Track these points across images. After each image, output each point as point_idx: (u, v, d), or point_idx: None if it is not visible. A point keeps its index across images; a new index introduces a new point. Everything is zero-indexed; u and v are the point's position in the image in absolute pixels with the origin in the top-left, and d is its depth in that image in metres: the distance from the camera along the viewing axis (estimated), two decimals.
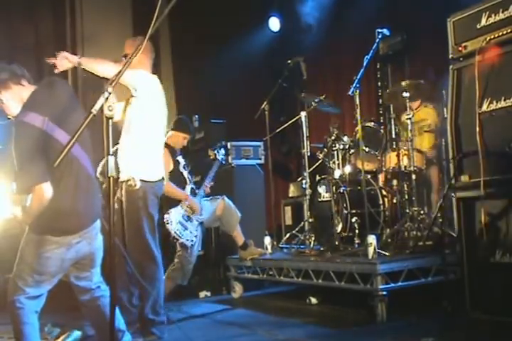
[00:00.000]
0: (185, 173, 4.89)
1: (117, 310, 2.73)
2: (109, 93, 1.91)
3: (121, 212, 3.55)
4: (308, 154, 5.08)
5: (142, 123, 3.63)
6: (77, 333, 3.62)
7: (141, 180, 3.53)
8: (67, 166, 2.61)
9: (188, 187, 4.81)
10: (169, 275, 4.64)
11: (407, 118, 4.40)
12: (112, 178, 1.96)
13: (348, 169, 4.90)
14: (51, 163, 2.36)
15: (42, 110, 2.58)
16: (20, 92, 2.71)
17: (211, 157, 5.58)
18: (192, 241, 4.67)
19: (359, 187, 4.53)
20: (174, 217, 4.59)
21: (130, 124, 3.63)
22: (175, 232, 4.55)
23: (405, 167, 4.54)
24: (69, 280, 2.82)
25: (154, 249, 3.62)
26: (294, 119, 5.26)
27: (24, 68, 2.80)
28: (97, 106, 1.91)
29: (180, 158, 4.92)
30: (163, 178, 3.73)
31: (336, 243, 4.51)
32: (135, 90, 3.48)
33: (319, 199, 4.92)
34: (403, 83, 4.44)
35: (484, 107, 3.24)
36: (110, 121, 1.93)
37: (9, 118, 2.74)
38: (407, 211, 4.37)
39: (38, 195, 2.52)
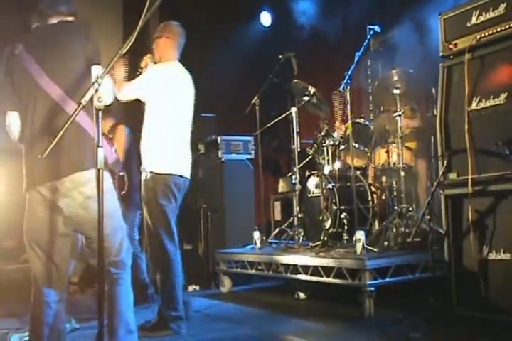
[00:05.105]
0: None
1: (130, 311, 2.61)
2: (99, 84, 1.89)
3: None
4: (299, 150, 5.08)
5: (157, 114, 3.65)
6: None
7: (152, 172, 3.56)
8: None
9: None
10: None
11: (397, 116, 4.40)
12: (101, 170, 1.93)
13: (337, 165, 4.92)
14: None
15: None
16: None
17: (200, 151, 5.55)
18: None
19: (348, 184, 4.55)
20: None
21: (147, 115, 3.69)
22: None
23: (394, 164, 4.56)
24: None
25: (168, 243, 3.58)
26: (285, 115, 5.25)
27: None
28: (86, 97, 1.89)
29: None
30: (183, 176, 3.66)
31: (325, 238, 4.53)
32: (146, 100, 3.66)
33: (309, 195, 4.93)
34: (393, 71, 4.43)
35: (473, 105, 3.25)
36: (99, 112, 1.91)
37: None
38: (396, 207, 4.39)
39: None
